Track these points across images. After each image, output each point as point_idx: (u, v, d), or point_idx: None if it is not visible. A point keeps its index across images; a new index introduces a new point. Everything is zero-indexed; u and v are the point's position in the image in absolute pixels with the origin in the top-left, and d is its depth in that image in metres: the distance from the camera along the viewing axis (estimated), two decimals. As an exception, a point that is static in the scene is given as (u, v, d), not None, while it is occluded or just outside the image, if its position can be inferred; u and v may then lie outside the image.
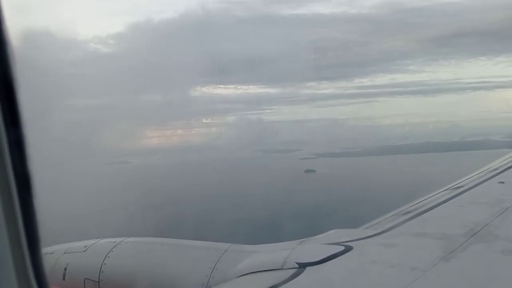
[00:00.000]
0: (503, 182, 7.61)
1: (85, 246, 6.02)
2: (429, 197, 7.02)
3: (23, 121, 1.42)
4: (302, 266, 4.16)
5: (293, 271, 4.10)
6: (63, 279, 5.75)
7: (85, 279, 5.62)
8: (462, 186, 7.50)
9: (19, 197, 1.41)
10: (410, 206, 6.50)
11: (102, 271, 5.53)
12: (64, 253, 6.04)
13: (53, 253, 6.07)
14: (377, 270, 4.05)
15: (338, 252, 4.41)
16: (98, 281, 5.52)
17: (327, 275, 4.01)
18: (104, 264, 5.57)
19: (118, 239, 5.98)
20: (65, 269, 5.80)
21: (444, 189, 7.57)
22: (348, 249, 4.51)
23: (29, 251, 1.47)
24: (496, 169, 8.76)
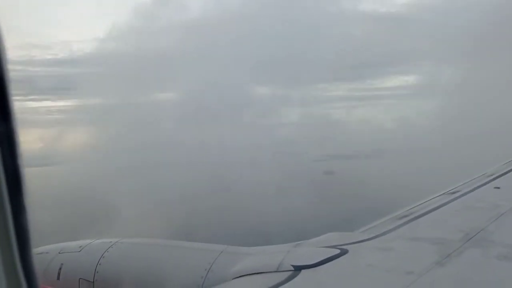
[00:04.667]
0: (499, 188, 7.63)
1: (80, 246, 6.00)
2: (425, 202, 7.02)
3: (14, 115, 1.39)
4: (298, 269, 4.15)
5: (288, 273, 4.10)
6: (58, 279, 5.73)
7: (79, 279, 5.60)
8: (458, 191, 7.51)
9: (8, 192, 1.38)
10: (406, 210, 6.51)
11: (97, 272, 5.51)
12: (59, 253, 6.01)
13: (48, 252, 6.04)
14: (372, 274, 4.05)
15: (334, 256, 4.41)
16: (93, 281, 5.50)
17: (322, 278, 4.00)
18: (99, 264, 5.55)
19: (113, 240, 5.97)
20: (60, 269, 5.78)
21: (440, 194, 7.58)
22: (343, 252, 4.51)
23: (18, 249, 1.45)
24: (492, 174, 8.78)
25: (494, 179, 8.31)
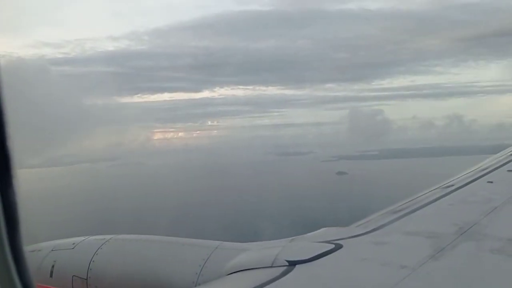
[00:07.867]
0: (492, 182, 7.69)
1: (73, 243, 5.96)
2: (420, 196, 7.06)
3: (4, 106, 1.38)
4: (292, 264, 4.15)
5: (283, 269, 4.09)
6: (51, 276, 5.69)
7: (73, 276, 5.56)
8: (452, 185, 7.55)
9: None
10: (401, 205, 6.53)
11: (91, 268, 5.48)
12: (52, 250, 5.97)
13: (40, 250, 6.00)
14: (367, 268, 4.06)
15: (328, 250, 4.41)
16: (86, 278, 5.47)
17: (317, 273, 4.00)
18: (93, 261, 5.52)
19: (107, 236, 5.93)
20: (53, 266, 5.74)
21: (434, 188, 7.63)
22: (338, 247, 4.51)
23: (11, 249, 1.42)
24: (486, 168, 8.85)
25: (487, 173, 8.38)
